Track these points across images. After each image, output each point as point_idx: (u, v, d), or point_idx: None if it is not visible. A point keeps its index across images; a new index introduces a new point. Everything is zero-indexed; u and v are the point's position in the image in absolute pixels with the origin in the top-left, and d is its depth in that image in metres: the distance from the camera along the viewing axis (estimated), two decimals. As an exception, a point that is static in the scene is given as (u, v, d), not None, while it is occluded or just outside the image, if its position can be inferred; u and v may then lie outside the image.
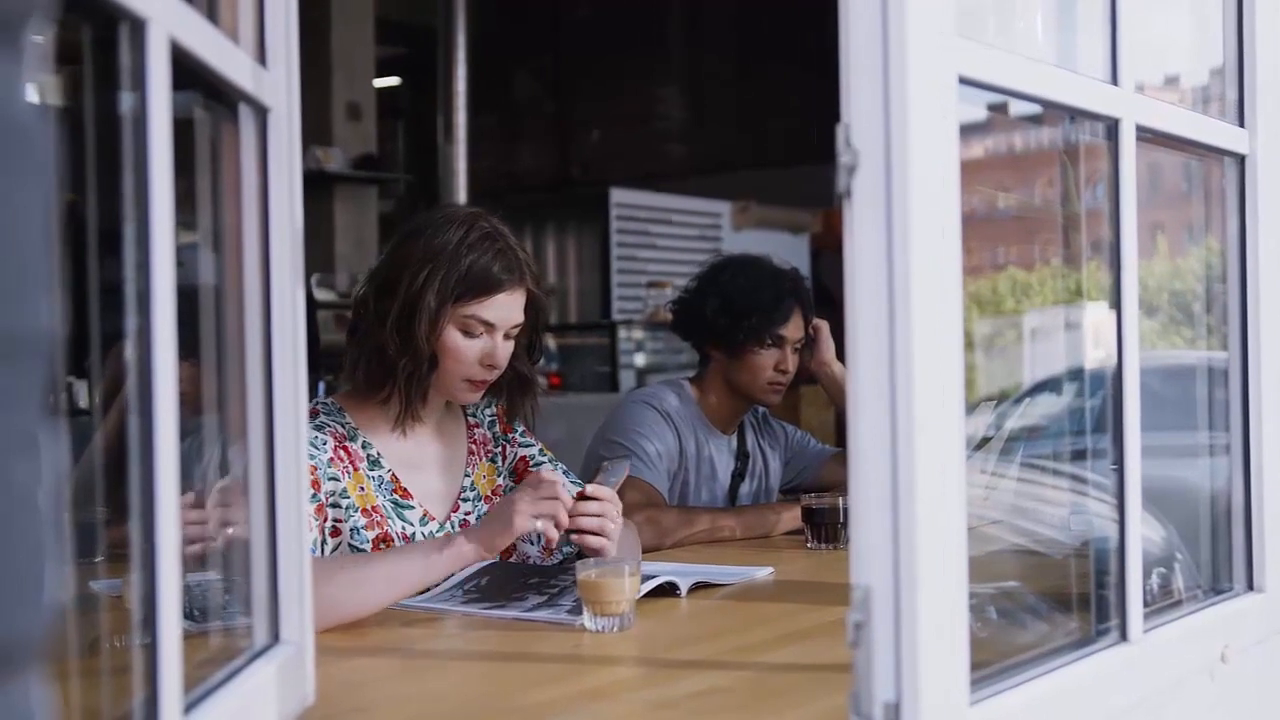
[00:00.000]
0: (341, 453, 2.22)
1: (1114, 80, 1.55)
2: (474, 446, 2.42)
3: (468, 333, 2.24)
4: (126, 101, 1.01)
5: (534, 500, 2.06)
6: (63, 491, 0.60)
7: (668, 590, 2.14)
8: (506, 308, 2.26)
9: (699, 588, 2.22)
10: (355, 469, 2.23)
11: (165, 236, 1.01)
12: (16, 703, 0.57)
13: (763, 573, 2.39)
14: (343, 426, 2.26)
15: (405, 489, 2.28)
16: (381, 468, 2.26)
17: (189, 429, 1.09)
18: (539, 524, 2.05)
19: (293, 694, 1.38)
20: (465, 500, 2.36)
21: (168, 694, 1.01)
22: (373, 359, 2.25)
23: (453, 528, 2.30)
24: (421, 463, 2.33)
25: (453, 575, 2.11)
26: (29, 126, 0.56)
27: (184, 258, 1.07)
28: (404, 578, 2.03)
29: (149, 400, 1.00)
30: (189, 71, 1.12)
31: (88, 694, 1.21)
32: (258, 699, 1.27)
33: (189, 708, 1.09)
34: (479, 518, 2.33)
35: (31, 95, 0.58)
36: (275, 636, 1.38)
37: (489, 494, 2.40)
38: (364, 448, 2.26)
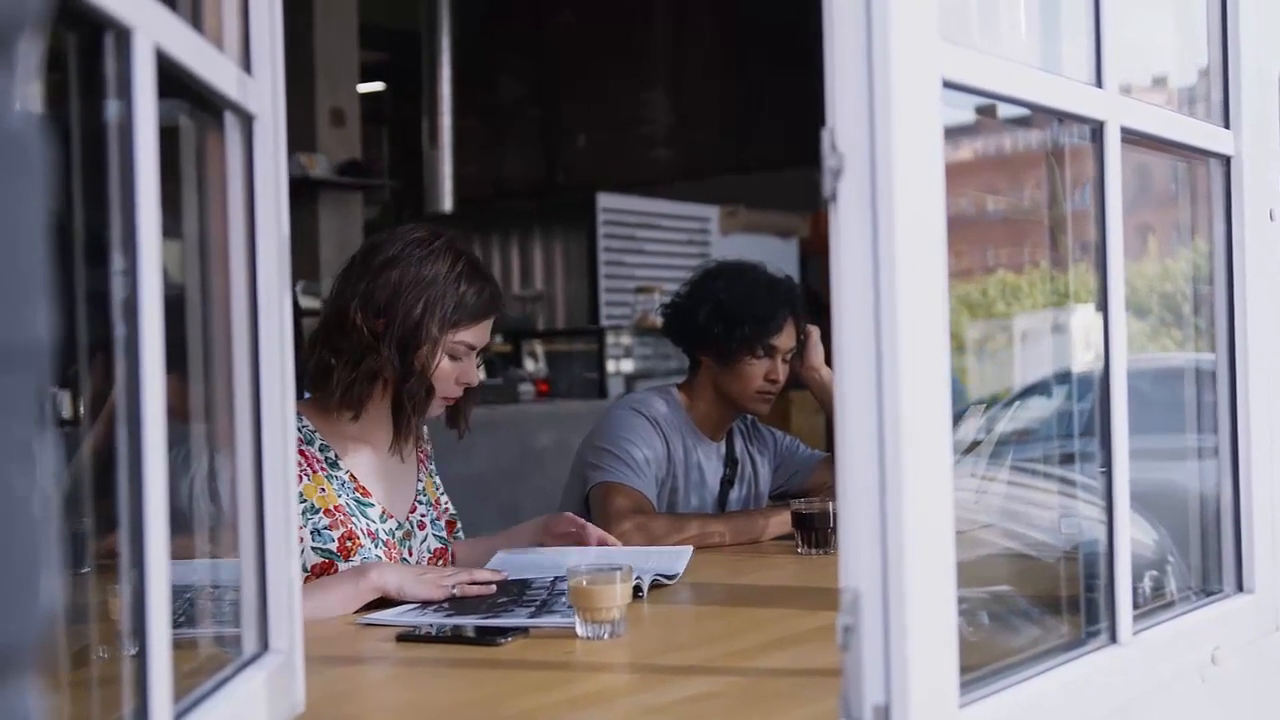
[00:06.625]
0: (298, 457, 2.26)
1: (1098, 83, 1.55)
2: (422, 457, 2.53)
3: (454, 357, 2.34)
4: (112, 110, 1.00)
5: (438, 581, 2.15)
6: (56, 500, 0.60)
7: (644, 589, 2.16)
8: (488, 331, 2.39)
9: (656, 587, 2.25)
10: (315, 471, 2.30)
11: (151, 245, 1.01)
12: (13, 707, 0.58)
13: (684, 552, 2.44)
14: (300, 431, 2.30)
15: (364, 488, 2.36)
16: (340, 469, 2.33)
17: (174, 440, 1.09)
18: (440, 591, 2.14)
19: (282, 703, 1.37)
20: (420, 503, 2.47)
21: (158, 703, 1.00)
22: (365, 381, 2.29)
23: (411, 526, 2.42)
24: (379, 468, 2.41)
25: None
26: (24, 136, 0.56)
27: (168, 267, 1.07)
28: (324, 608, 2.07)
29: (137, 409, 1.00)
30: (173, 79, 1.11)
31: (75, 704, 1.21)
32: (247, 708, 1.27)
33: (178, 716, 1.08)
34: (432, 521, 2.47)
35: (25, 105, 0.58)
36: (264, 645, 1.37)
37: (435, 500, 2.52)
38: (321, 450, 2.33)
